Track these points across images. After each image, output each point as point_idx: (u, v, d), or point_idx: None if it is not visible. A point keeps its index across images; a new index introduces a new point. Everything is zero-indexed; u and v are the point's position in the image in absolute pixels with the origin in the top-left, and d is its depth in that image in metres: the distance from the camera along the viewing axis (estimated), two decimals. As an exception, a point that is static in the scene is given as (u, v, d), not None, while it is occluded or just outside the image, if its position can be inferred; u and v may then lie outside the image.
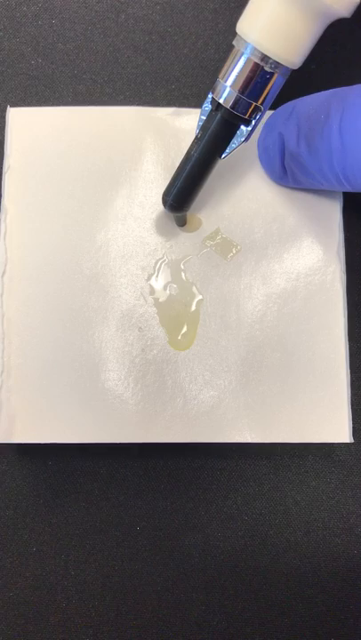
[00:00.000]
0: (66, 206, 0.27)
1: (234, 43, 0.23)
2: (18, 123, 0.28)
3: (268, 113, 0.26)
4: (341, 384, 0.26)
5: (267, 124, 0.26)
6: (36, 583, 0.27)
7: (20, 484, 0.28)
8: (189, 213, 0.27)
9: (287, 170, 0.25)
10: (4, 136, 0.28)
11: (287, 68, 0.22)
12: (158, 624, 0.27)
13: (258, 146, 0.27)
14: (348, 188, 0.23)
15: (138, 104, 0.29)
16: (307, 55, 0.23)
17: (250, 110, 0.23)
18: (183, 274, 0.27)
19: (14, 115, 0.28)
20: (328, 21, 0.22)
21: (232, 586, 0.27)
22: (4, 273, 0.26)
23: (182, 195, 0.25)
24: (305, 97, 0.25)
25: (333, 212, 0.27)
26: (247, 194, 0.28)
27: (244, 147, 0.25)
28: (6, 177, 0.27)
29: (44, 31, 0.30)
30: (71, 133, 0.28)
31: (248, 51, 0.22)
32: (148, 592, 0.27)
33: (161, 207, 0.27)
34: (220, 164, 0.25)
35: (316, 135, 0.23)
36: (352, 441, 0.26)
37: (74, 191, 0.27)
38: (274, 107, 0.25)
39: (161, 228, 0.27)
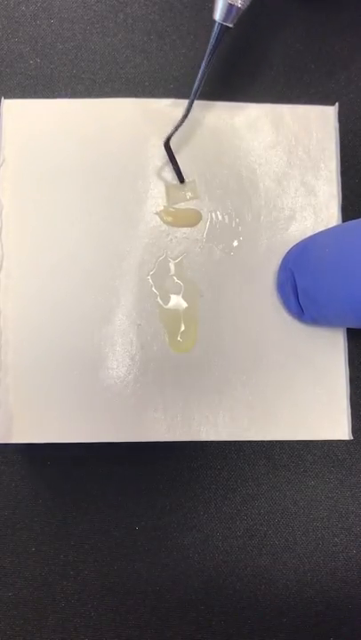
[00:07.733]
0: (63, 201, 0.27)
1: None
2: (12, 114, 0.27)
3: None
4: (341, 382, 0.26)
5: (282, 261, 0.27)
6: (36, 583, 0.27)
7: (19, 484, 0.28)
8: (189, 207, 0.27)
9: (302, 306, 0.25)
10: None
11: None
12: (158, 624, 0.27)
13: (276, 282, 0.27)
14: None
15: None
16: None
17: None
18: (182, 270, 0.27)
19: (9, 106, 0.27)
20: None
21: (231, 585, 0.27)
22: (0, 269, 0.26)
23: None
24: (316, 235, 0.25)
25: (332, 209, 0.27)
26: (248, 190, 0.27)
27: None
28: (1, 171, 0.27)
29: (43, 31, 0.30)
30: (67, 126, 0.27)
31: None
32: (147, 592, 0.27)
33: (160, 202, 0.27)
34: (224, 162, 0.25)
35: (326, 270, 0.23)
36: (351, 438, 0.26)
37: (71, 185, 0.27)
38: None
39: (160, 223, 0.27)
